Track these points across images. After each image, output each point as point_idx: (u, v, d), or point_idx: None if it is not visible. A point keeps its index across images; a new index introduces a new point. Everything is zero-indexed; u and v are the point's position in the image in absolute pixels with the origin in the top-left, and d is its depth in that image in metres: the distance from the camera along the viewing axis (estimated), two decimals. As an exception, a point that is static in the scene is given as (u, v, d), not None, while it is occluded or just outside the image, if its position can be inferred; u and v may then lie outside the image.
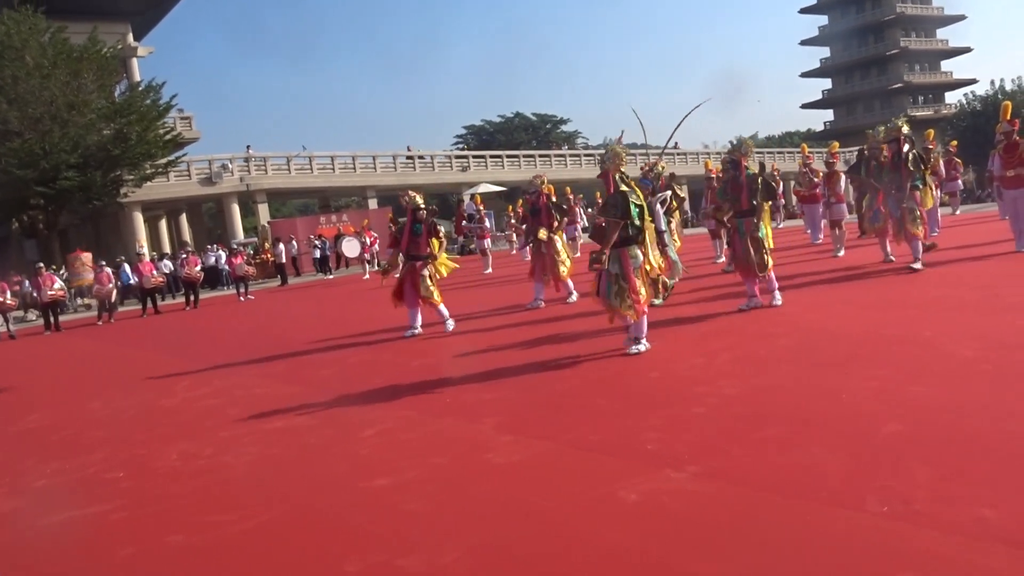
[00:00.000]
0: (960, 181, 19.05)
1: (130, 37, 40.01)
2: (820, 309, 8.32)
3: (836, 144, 17.17)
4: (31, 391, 9.84)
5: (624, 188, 6.82)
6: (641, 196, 6.84)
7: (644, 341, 6.82)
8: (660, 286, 8.09)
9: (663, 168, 10.48)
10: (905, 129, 10.00)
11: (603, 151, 7.18)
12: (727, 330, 7.66)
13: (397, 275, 9.76)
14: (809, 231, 16.59)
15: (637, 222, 6.73)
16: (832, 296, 8.91)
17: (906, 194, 9.59)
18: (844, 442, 4.10)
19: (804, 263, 12.76)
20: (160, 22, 44.55)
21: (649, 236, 6.84)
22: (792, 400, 5.03)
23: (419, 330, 9.57)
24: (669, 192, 9.65)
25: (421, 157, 44.92)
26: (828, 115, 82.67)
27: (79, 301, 25.46)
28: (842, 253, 12.86)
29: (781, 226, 22.15)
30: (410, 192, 9.99)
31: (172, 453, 5.66)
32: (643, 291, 6.71)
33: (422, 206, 9.80)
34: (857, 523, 3.17)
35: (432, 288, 9.47)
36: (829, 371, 5.66)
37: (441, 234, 9.94)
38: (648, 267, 6.80)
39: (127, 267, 24.10)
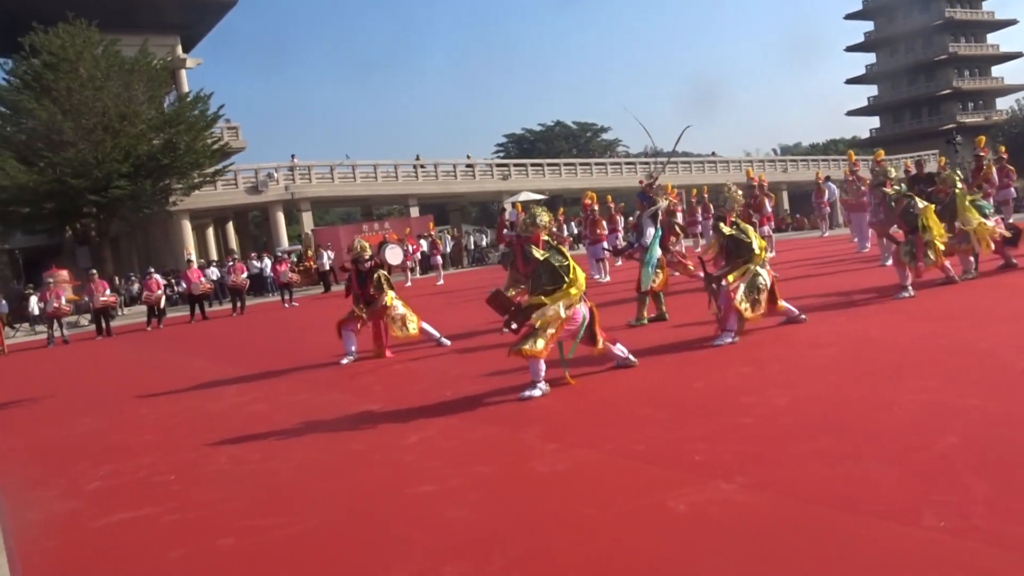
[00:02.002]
0: (1013, 188, 18.54)
1: (179, 49, 41.00)
2: (868, 319, 8.16)
3: (882, 152, 16.86)
4: (84, 396, 10.08)
5: (544, 256, 6.53)
6: (564, 254, 6.53)
7: (540, 385, 6.32)
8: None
9: (667, 201, 10.34)
10: (894, 174, 9.81)
11: (527, 216, 6.93)
12: (774, 340, 7.56)
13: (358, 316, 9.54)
14: (856, 239, 16.30)
15: (549, 286, 6.39)
16: (880, 306, 8.73)
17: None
18: (897, 454, 4.01)
19: (851, 272, 12.55)
20: (208, 34, 45.54)
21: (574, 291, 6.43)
22: (842, 411, 4.94)
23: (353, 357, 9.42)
24: (661, 206, 9.65)
25: (423, 166, 44.81)
26: (874, 122, 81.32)
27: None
28: (890, 262, 12.59)
29: (827, 235, 21.80)
30: (361, 242, 9.86)
31: (221, 457, 5.76)
32: (540, 342, 6.24)
33: (366, 258, 9.59)
34: (914, 538, 3.10)
35: (406, 329, 9.26)
36: (879, 382, 5.54)
37: (383, 278, 9.60)
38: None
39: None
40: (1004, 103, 73.29)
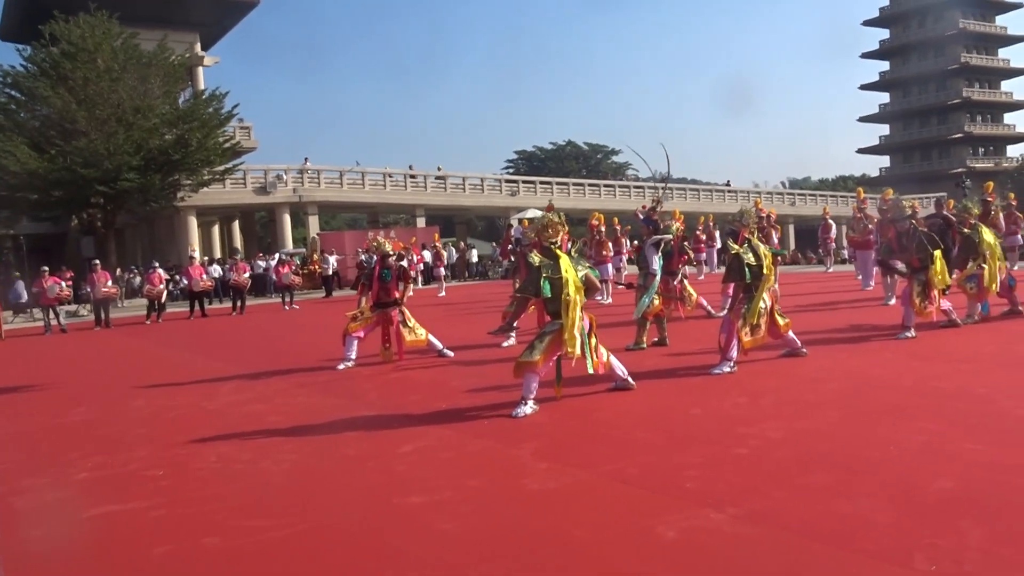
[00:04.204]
0: (1020, 236, 18.53)
1: (198, 46, 41.23)
2: (868, 356, 8.14)
3: (890, 191, 16.88)
4: (78, 386, 10.05)
5: (539, 263, 6.52)
6: (566, 268, 6.43)
7: (530, 403, 6.29)
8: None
9: (676, 228, 10.31)
10: (909, 209, 9.52)
11: (537, 219, 6.96)
12: (773, 372, 7.54)
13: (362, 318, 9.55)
14: (860, 277, 16.29)
15: (550, 295, 6.39)
16: (881, 344, 8.71)
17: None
18: (891, 494, 3.99)
19: (853, 310, 12.53)
20: (228, 33, 45.82)
21: (573, 312, 6.34)
22: (838, 447, 4.91)
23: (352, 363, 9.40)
24: (670, 236, 9.63)
25: (440, 177, 44.84)
26: (884, 161, 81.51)
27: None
28: (893, 302, 12.58)
29: (831, 270, 21.80)
30: (378, 237, 9.87)
31: (212, 455, 5.73)
32: (536, 355, 6.29)
33: (390, 252, 9.67)
34: (904, 580, 3.07)
35: (416, 336, 9.37)
36: (877, 420, 5.52)
37: (410, 278, 9.80)
38: (566, 340, 6.32)
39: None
40: (1015, 150, 73.64)
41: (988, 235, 9.79)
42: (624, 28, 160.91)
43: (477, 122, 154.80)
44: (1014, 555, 3.21)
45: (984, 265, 9.60)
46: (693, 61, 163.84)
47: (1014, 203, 18.45)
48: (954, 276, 9.71)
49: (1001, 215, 16.29)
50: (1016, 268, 18.26)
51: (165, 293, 21.40)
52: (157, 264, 22.35)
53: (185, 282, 22.48)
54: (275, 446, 5.89)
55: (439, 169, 45.62)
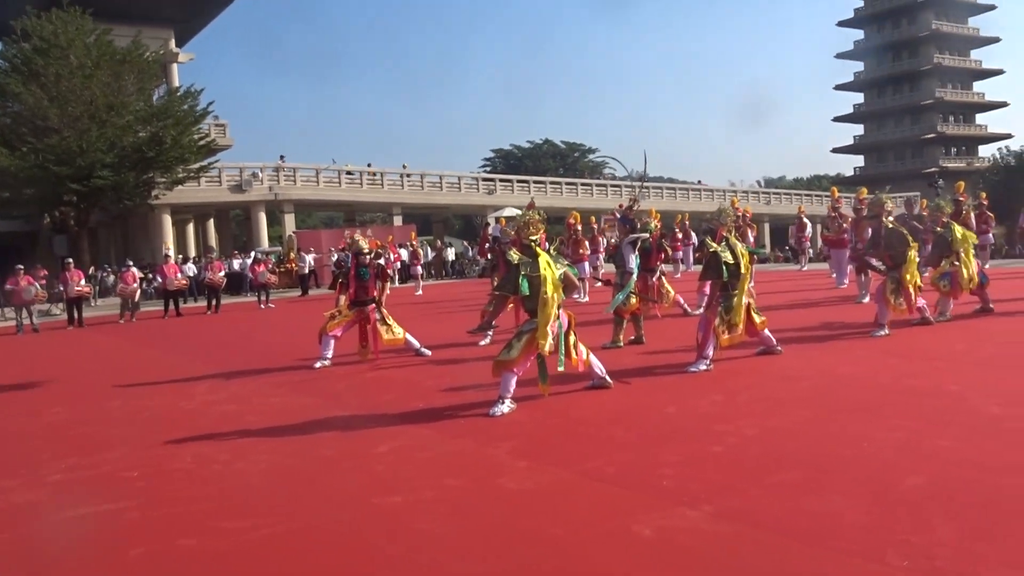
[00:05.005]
0: (991, 235, 18.83)
1: (172, 43, 40.79)
2: (842, 354, 8.23)
3: (864, 190, 17.07)
4: (51, 386, 9.91)
5: (518, 260, 6.52)
6: (545, 266, 6.41)
7: (507, 402, 6.29)
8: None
9: (654, 225, 10.38)
10: (888, 206, 9.55)
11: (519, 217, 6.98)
12: (748, 370, 7.60)
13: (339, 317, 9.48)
14: (834, 275, 16.47)
15: (528, 293, 6.38)
16: (855, 342, 8.82)
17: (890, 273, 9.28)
18: (864, 491, 4.04)
19: (827, 307, 12.66)
20: (203, 30, 45.39)
21: (549, 310, 6.32)
22: (812, 445, 4.97)
23: (328, 362, 9.37)
24: (647, 235, 9.70)
25: (408, 175, 44.58)
26: (858, 160, 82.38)
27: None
28: (867, 299, 12.72)
29: (806, 268, 22.00)
30: (354, 235, 9.79)
31: (187, 456, 5.68)
32: (514, 353, 6.32)
33: (365, 250, 9.59)
34: None
35: (393, 334, 9.33)
36: (850, 418, 5.59)
37: (388, 277, 9.75)
38: (538, 337, 6.31)
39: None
40: (986, 150, 74.58)
41: (960, 232, 9.92)
42: (600, 27, 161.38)
43: (458, 120, 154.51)
44: (985, 550, 3.26)
45: (957, 263, 9.73)
46: (671, 62, 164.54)
47: (985, 203, 18.73)
48: (927, 274, 9.84)
49: (972, 215, 16.55)
50: (987, 266, 18.56)
51: (139, 292, 21.17)
52: (131, 262, 22.11)
53: (159, 281, 22.23)
54: (251, 446, 5.85)
55: (404, 167, 45.38)
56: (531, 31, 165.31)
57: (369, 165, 44.04)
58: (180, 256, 32.71)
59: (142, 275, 23.62)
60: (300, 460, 5.46)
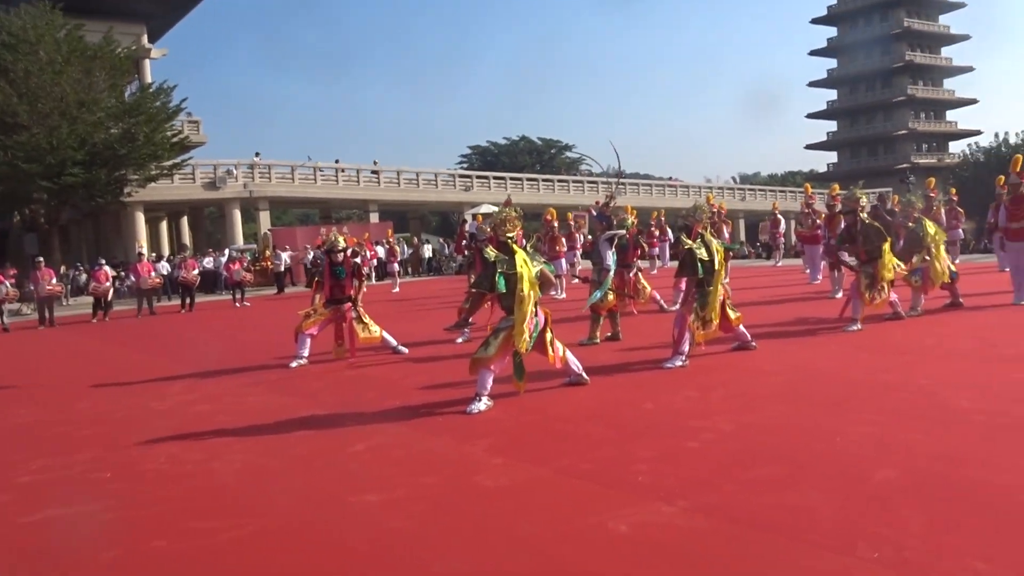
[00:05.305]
0: (961, 230, 19.11)
1: (144, 38, 40.25)
2: (815, 349, 8.33)
3: (837, 186, 17.27)
4: (22, 387, 9.78)
5: (495, 258, 6.50)
6: (522, 263, 6.41)
7: (484, 399, 6.28)
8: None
9: (631, 222, 10.43)
10: (863, 201, 9.67)
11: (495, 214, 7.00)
12: (723, 365, 7.66)
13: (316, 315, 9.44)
14: (808, 271, 16.63)
15: (505, 290, 6.37)
16: (828, 337, 8.92)
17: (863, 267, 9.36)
18: (837, 485, 4.09)
19: (801, 303, 12.79)
20: (175, 25, 44.86)
21: (525, 307, 6.31)
22: (786, 439, 5.02)
23: (305, 360, 9.33)
24: (623, 231, 9.76)
25: (375, 172, 44.33)
26: (832, 157, 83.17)
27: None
28: (840, 295, 12.87)
29: (780, 264, 22.20)
30: (331, 233, 9.71)
31: (161, 456, 5.63)
32: (491, 350, 6.32)
33: (340, 248, 9.50)
34: (847, 568, 3.16)
35: (370, 332, 9.29)
36: (823, 412, 5.65)
37: (364, 275, 9.72)
38: (515, 336, 6.32)
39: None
40: (956, 147, 75.54)
41: (932, 228, 10.06)
42: (575, 25, 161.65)
43: (431, 118, 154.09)
44: (953, 542, 3.32)
45: (928, 258, 9.86)
46: (646, 58, 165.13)
47: (955, 198, 19.00)
48: (899, 269, 9.97)
49: (943, 210, 16.79)
50: (957, 261, 18.85)
51: (112, 291, 20.92)
52: (103, 261, 21.81)
53: (132, 279, 21.99)
54: (226, 446, 5.80)
55: (375, 163, 45.10)
56: (503, 28, 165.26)
57: (337, 161, 43.72)
58: (154, 254, 32.35)
59: (115, 274, 23.32)
60: (275, 459, 5.42)
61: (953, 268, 10.32)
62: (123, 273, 27.68)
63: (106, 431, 6.68)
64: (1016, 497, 3.75)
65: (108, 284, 20.08)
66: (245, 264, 24.37)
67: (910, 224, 10.24)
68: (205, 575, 3.60)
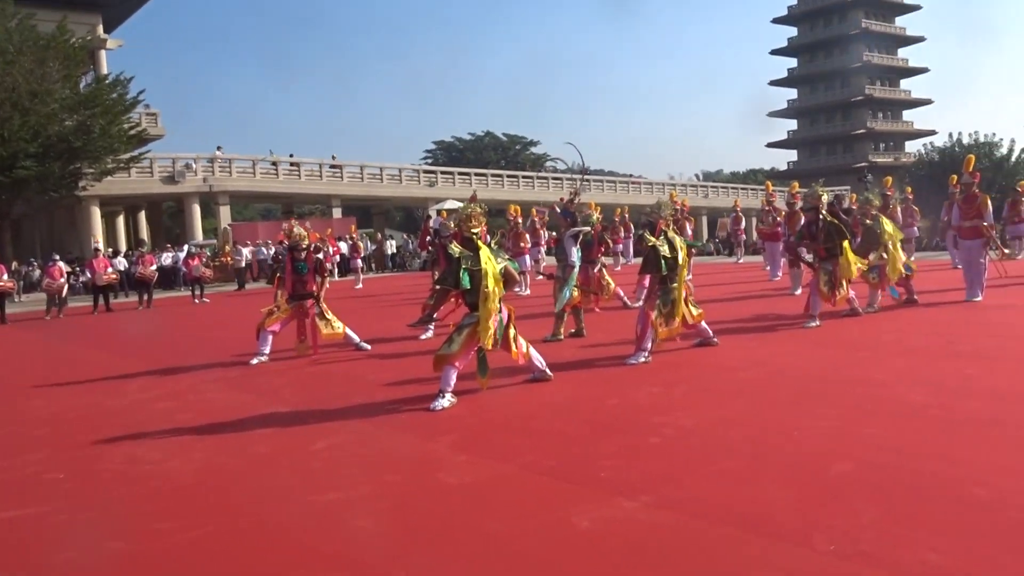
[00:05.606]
0: (916, 228, 19.51)
1: (100, 29, 39.39)
2: (776, 345, 8.45)
3: (796, 184, 17.54)
4: (-28, 384, 9.53)
5: (459, 254, 6.50)
6: (486, 259, 6.42)
7: (448, 396, 6.27)
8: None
9: (595, 218, 10.49)
10: (825, 198, 9.82)
11: (458, 210, 7.00)
12: (685, 361, 7.73)
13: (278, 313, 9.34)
14: (768, 267, 16.86)
15: (469, 287, 6.37)
16: (788, 333, 9.05)
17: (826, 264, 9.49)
18: (795, 479, 4.16)
19: (761, 299, 12.97)
20: (132, 15, 43.94)
21: (490, 304, 6.33)
22: (746, 434, 5.08)
23: (266, 357, 9.22)
24: (588, 228, 9.82)
25: (334, 166, 43.84)
26: (792, 155, 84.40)
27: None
28: (799, 292, 13.07)
29: (741, 261, 22.48)
30: (294, 228, 9.64)
31: (117, 456, 5.52)
32: (455, 347, 6.33)
33: (303, 244, 9.39)
34: (804, 560, 3.21)
35: (332, 329, 9.24)
36: (783, 407, 5.74)
37: (327, 271, 9.69)
38: (480, 332, 6.34)
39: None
40: (912, 146, 76.98)
41: (889, 226, 10.27)
42: (539, 22, 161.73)
43: (401, 115, 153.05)
44: (906, 532, 3.39)
45: (885, 255, 10.06)
46: (609, 56, 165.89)
47: (911, 197, 19.40)
48: (857, 266, 10.14)
49: (899, 208, 17.13)
50: (913, 258, 19.23)
51: (66, 287, 20.47)
52: (57, 256, 21.30)
53: (88, 275, 21.54)
54: (184, 445, 5.71)
55: (333, 158, 44.54)
56: (465, 21, 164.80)
57: (291, 156, 43.11)
58: (110, 250, 31.69)
59: (69, 269, 22.83)
60: (235, 458, 5.35)
61: (911, 265, 10.54)
62: (78, 269, 27.11)
63: (60, 431, 6.53)
64: (968, 489, 3.83)
65: (62, 280, 19.63)
66: (204, 260, 24.01)
67: (867, 222, 10.43)
68: (163, 576, 3.54)
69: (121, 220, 42.81)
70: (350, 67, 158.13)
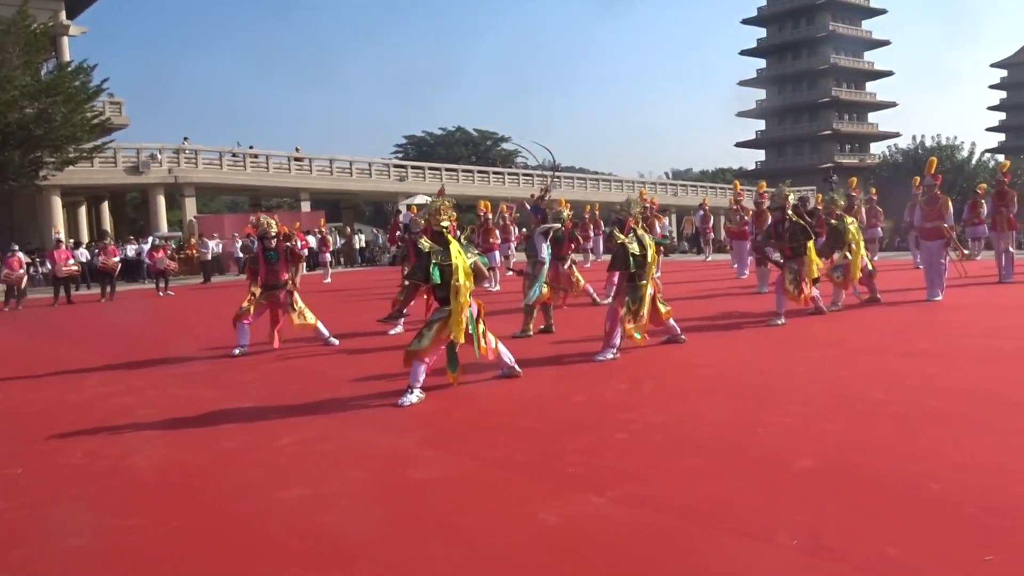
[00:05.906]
0: (880, 228, 19.84)
1: (63, 15, 38.49)
2: (742, 343, 8.53)
3: (764, 184, 17.73)
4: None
5: (429, 248, 6.49)
6: (456, 254, 6.41)
7: (416, 392, 6.23)
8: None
9: (566, 215, 10.54)
10: (791, 198, 9.94)
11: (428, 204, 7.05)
12: (653, 358, 7.78)
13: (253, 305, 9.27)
14: (736, 266, 17.03)
15: (439, 281, 6.34)
16: (753, 331, 9.15)
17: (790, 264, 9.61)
18: (759, 475, 4.21)
19: (727, 297, 13.09)
20: (97, 1, 43.07)
21: (461, 298, 6.33)
22: (711, 431, 5.13)
23: (246, 349, 9.19)
24: (559, 225, 9.87)
25: (299, 159, 43.35)
26: (760, 155, 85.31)
27: None
28: (765, 290, 13.22)
29: (709, 259, 22.67)
30: (262, 217, 9.61)
31: (77, 451, 5.42)
32: (425, 342, 6.32)
33: (272, 233, 9.35)
34: (767, 555, 3.25)
35: (304, 318, 9.26)
36: (747, 404, 5.80)
37: (300, 259, 9.70)
38: (451, 326, 6.33)
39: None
40: (877, 148, 78.26)
41: (853, 226, 10.43)
42: (505, 17, 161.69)
43: (367, 107, 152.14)
44: (866, 527, 3.44)
45: (849, 255, 10.21)
46: (578, 52, 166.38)
47: (875, 198, 19.71)
48: (821, 266, 10.29)
49: (863, 209, 17.41)
50: (876, 258, 19.52)
51: (26, 278, 20.06)
52: (16, 247, 20.87)
53: (49, 266, 21.13)
54: (146, 440, 5.63)
55: (297, 150, 44.03)
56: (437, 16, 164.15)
57: (251, 147, 42.48)
58: (72, 241, 31.09)
59: (29, 260, 22.37)
60: (198, 454, 5.28)
61: (871, 265, 10.71)
62: (38, 260, 26.57)
63: (17, 425, 6.40)
64: (926, 485, 3.91)
65: (22, 271, 19.26)
66: (169, 252, 23.66)
67: (832, 221, 10.57)
68: (123, 574, 3.49)
69: (83, 211, 41.98)
70: (323, 57, 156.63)
